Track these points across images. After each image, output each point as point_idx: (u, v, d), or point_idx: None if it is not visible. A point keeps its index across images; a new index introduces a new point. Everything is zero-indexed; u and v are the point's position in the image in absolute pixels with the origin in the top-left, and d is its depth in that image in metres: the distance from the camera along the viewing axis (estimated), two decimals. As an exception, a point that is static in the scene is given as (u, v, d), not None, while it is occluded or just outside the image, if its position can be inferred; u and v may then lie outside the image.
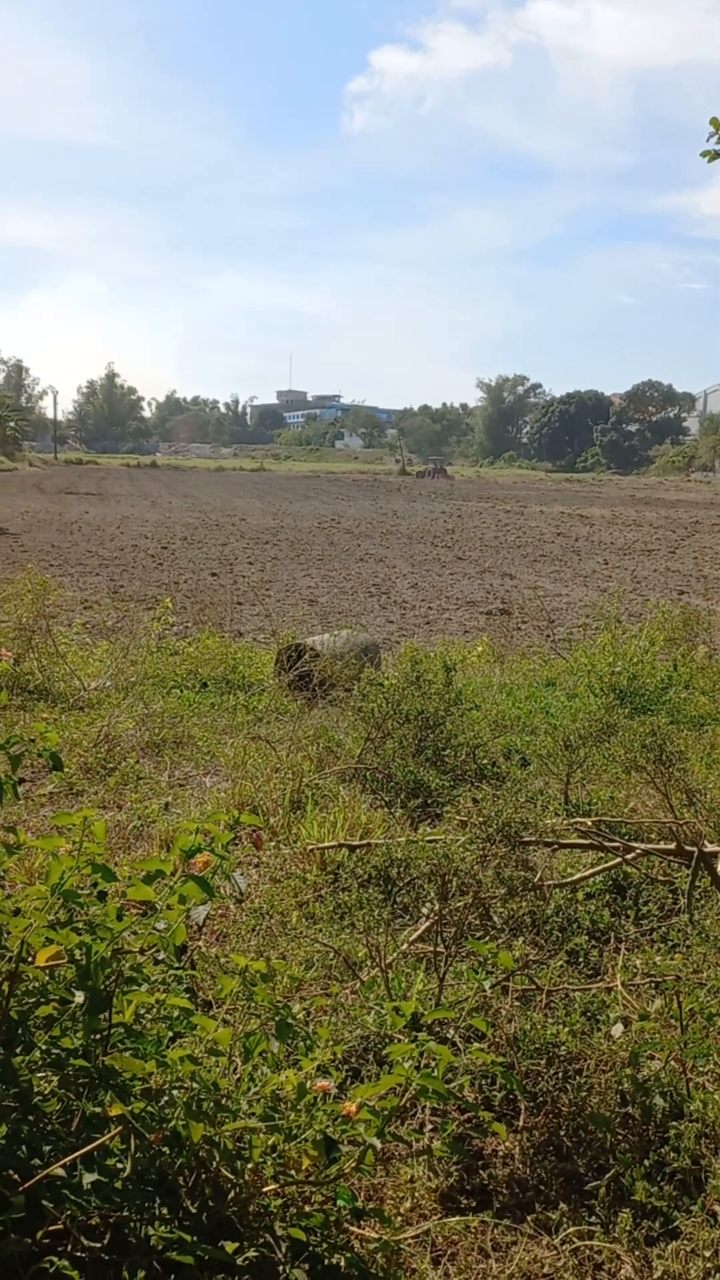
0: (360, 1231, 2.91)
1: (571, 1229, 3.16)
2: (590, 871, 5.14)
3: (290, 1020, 2.71)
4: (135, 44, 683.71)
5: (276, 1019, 2.72)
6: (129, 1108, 2.32)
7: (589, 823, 5.17)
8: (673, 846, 5.16)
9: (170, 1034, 2.63)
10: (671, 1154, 3.36)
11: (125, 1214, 2.38)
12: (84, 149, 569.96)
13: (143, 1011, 2.74)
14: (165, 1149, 2.51)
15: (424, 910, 4.70)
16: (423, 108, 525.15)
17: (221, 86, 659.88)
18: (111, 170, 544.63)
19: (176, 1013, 2.67)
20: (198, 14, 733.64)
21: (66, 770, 7.30)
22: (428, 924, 4.48)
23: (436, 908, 4.38)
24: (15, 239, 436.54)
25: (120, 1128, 2.32)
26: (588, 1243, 3.12)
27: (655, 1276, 2.99)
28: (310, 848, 5.56)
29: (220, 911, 5.15)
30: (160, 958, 2.82)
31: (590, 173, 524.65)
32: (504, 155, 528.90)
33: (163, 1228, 2.40)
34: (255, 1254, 2.57)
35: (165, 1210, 2.48)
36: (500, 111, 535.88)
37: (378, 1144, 2.52)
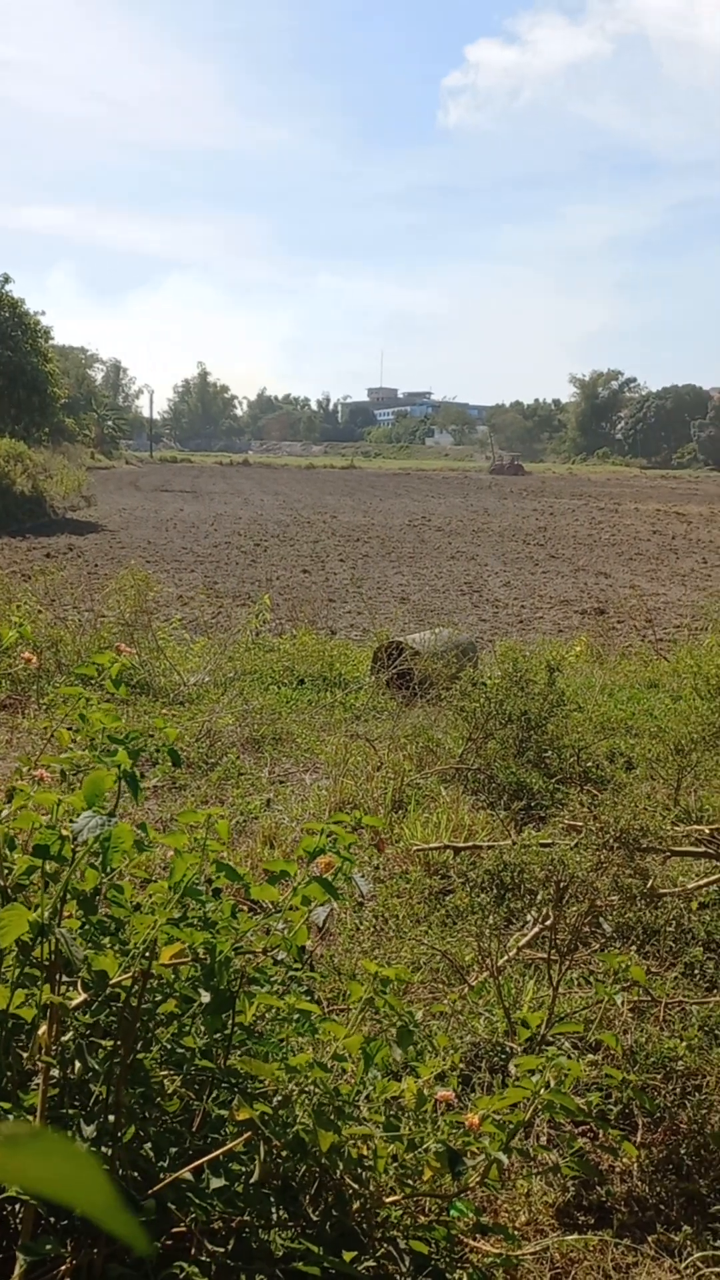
0: (479, 1245, 2.84)
1: (697, 1254, 3.04)
2: (707, 880, 4.97)
3: (412, 1027, 2.65)
4: (245, 52, 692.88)
5: (398, 1025, 2.67)
6: (256, 1112, 2.29)
7: (707, 830, 4.99)
8: None
9: (295, 1037, 2.59)
10: None
11: (247, 1219, 2.35)
12: (194, 156, 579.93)
13: (262, 1012, 2.71)
14: (285, 1154, 2.48)
15: (530, 916, 4.60)
16: (518, 101, 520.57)
17: (327, 90, 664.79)
18: (221, 176, 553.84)
19: (297, 1015, 2.64)
20: (301, 16, 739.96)
21: (168, 765, 7.37)
22: (536, 930, 4.38)
23: (545, 914, 4.27)
24: (125, 245, 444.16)
25: (249, 1132, 2.29)
26: (715, 1269, 2.99)
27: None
28: (415, 848, 5.49)
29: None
30: (280, 958, 2.79)
31: (698, 163, 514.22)
32: (607, 147, 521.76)
33: (284, 1234, 2.37)
34: (373, 1264, 2.52)
35: (285, 1216, 2.45)
36: (602, 103, 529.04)
37: (504, 1159, 2.44)
